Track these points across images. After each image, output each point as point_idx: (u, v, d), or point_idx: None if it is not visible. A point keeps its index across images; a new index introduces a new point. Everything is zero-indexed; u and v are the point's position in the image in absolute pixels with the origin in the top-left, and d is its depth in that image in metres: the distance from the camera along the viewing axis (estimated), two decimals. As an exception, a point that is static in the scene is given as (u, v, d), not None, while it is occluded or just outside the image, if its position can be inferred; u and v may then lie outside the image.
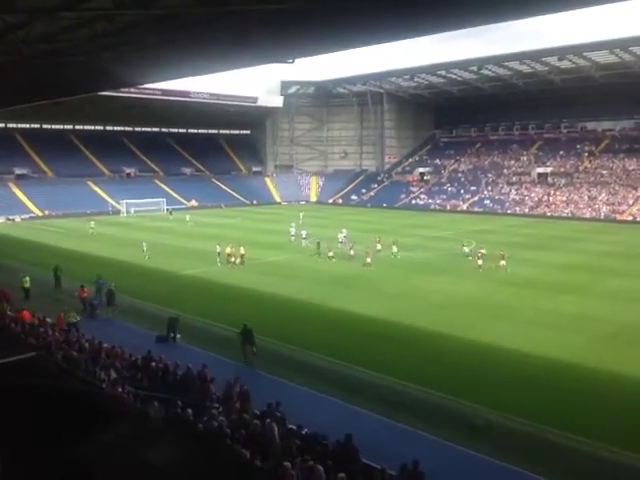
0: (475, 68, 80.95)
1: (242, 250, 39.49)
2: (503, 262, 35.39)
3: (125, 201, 78.51)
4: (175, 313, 23.75)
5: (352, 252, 40.32)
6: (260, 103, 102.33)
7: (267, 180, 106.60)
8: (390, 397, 17.33)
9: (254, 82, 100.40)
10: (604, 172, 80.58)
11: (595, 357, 20.53)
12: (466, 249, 40.00)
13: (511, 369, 19.70)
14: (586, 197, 76.37)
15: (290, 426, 13.16)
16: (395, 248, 41.18)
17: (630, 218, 68.58)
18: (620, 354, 20.91)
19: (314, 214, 73.72)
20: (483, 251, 36.78)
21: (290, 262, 40.46)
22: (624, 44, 66.22)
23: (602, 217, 69.99)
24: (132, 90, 75.37)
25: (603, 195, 75.35)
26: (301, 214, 68.84)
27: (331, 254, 40.18)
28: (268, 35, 17.13)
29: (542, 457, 13.77)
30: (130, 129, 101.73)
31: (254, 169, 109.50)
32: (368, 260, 37.34)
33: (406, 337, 23.13)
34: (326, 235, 45.85)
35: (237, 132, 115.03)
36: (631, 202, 72.15)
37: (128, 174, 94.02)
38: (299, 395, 17.35)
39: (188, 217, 67.50)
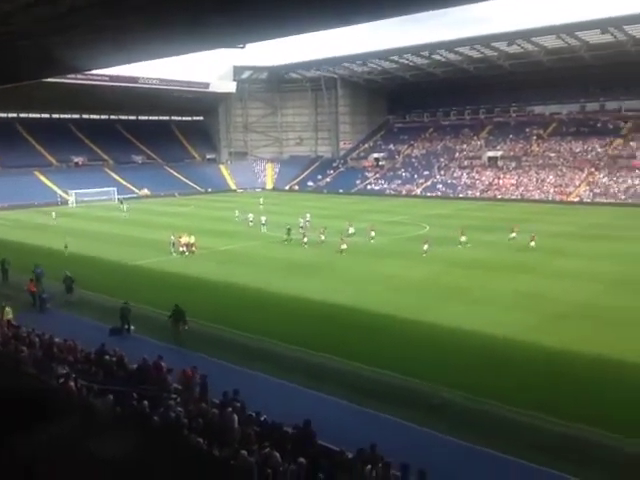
0: (427, 53, 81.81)
1: (192, 239, 39.00)
2: (533, 243, 36.75)
3: (74, 191, 76.29)
4: (127, 303, 23.21)
5: (323, 237, 40.43)
6: (212, 89, 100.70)
7: (222, 167, 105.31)
8: (351, 381, 17.47)
9: (205, 67, 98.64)
10: (552, 155, 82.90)
11: (546, 335, 21.15)
12: (514, 234, 40.05)
13: (466, 349, 20.09)
14: (535, 179, 78.46)
15: (249, 413, 13.15)
16: (373, 233, 41.50)
17: (577, 199, 70.89)
18: (571, 332, 21.57)
19: (271, 201, 73.43)
20: (427, 244, 36.98)
21: (247, 250, 40.21)
22: (570, 29, 68.05)
23: (550, 199, 72.12)
24: (79, 76, 72.77)
25: (551, 177, 77.56)
26: (261, 199, 68.56)
27: (305, 240, 40.10)
28: (222, 18, 16.73)
29: (499, 434, 14.14)
30: (78, 116, 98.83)
31: (208, 156, 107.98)
32: (344, 246, 37.27)
33: (364, 322, 23.31)
34: (285, 222, 45.79)
35: (189, 118, 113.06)
36: (577, 183, 74.54)
37: (77, 163, 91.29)
38: (259, 383, 17.31)
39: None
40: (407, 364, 18.55)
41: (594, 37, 69.43)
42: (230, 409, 12.56)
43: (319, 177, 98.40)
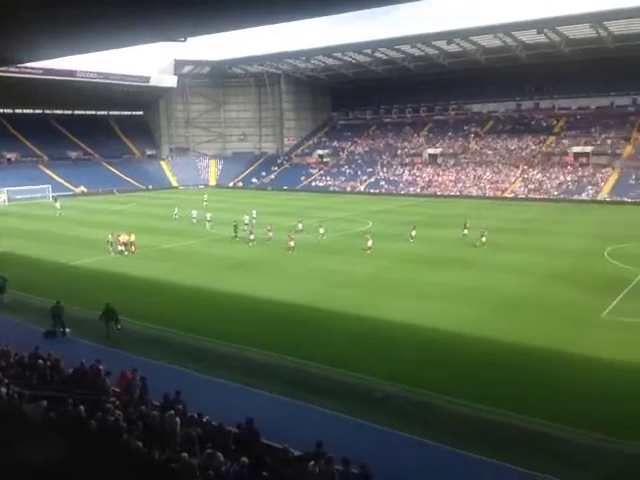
0: (369, 51, 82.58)
1: (132, 237, 38.05)
2: (484, 238, 37.42)
3: (6, 189, 73.12)
4: (59, 302, 22.33)
5: (270, 234, 40.19)
6: (152, 83, 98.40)
7: (162, 164, 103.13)
8: (292, 377, 17.51)
9: (146, 61, 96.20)
10: (489, 152, 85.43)
11: (484, 326, 21.82)
12: (466, 231, 40.78)
13: (406, 343, 20.43)
14: (472, 176, 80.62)
15: (191, 414, 12.95)
16: (322, 230, 41.30)
17: (512, 195, 73.33)
18: (509, 323, 22.35)
19: (215, 198, 72.42)
20: (368, 236, 37.39)
21: (190, 248, 39.59)
22: (506, 29, 70.33)
23: (487, 195, 74.26)
24: (10, 69, 69.57)
25: (488, 174, 79.90)
26: (205, 196, 67.65)
27: (252, 237, 39.61)
28: (162, 10, 16.32)
29: (441, 425, 14.46)
30: (10, 111, 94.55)
31: (148, 152, 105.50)
32: (291, 244, 37.00)
33: (306, 318, 23.38)
34: (230, 219, 45.27)
35: (128, 113, 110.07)
36: (513, 180, 77.09)
37: (9, 160, 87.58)
38: (199, 383, 17.07)
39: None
40: (348, 359, 18.72)
41: (530, 37, 71.98)
42: (172, 411, 12.34)
43: (263, 174, 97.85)
